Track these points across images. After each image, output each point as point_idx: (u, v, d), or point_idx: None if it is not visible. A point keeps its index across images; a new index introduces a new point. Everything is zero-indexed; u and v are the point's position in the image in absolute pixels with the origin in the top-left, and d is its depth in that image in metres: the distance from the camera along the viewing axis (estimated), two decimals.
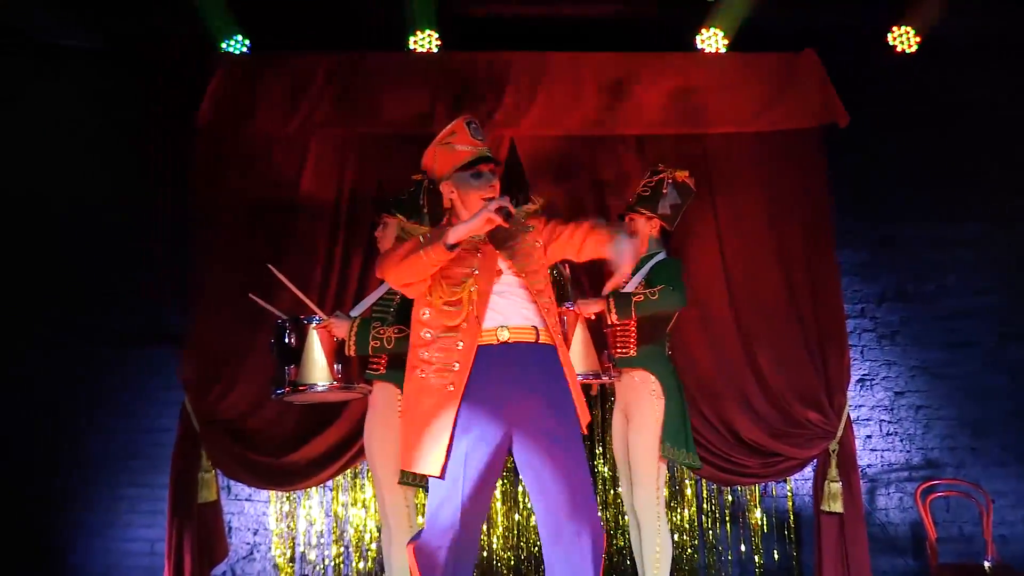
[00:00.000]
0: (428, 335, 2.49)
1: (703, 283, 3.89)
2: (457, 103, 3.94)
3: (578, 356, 3.18)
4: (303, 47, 4.11)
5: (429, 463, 2.42)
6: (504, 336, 2.46)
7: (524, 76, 3.99)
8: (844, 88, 4.10)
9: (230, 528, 4.33)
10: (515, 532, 4.19)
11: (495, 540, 4.20)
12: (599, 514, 2.47)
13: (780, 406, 3.81)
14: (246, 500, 4.36)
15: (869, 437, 4.42)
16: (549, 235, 2.61)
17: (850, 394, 4.37)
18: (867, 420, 4.44)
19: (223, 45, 4.13)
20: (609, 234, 2.50)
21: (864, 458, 4.39)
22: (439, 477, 2.42)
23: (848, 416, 3.81)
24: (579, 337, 3.26)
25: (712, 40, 4.16)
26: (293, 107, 3.96)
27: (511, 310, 2.50)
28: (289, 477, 3.71)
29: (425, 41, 4.16)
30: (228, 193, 3.93)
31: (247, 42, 4.16)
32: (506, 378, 2.43)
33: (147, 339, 4.35)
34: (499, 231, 2.55)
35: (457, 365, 2.43)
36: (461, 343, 2.44)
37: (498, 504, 4.24)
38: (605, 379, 3.29)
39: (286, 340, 3.13)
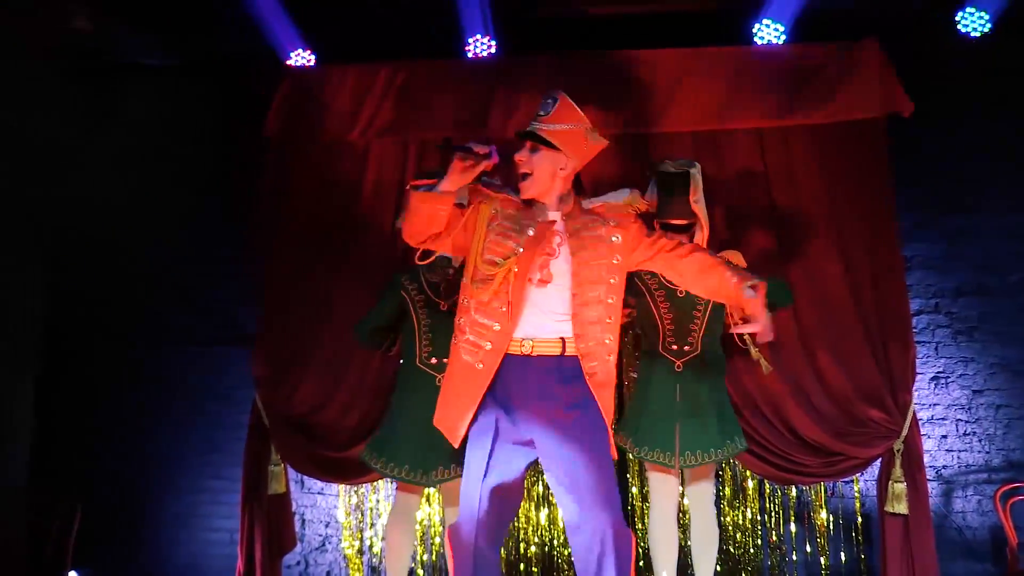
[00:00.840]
0: (466, 302, 2.58)
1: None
2: (513, 106, 4.01)
3: None
4: (365, 58, 4.26)
5: (450, 433, 2.59)
6: (528, 348, 2.51)
7: (576, 76, 3.99)
8: (911, 75, 3.94)
9: (303, 520, 4.54)
10: None
11: (555, 536, 4.25)
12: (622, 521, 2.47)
13: (841, 404, 3.70)
14: (318, 494, 4.56)
15: (944, 437, 4.26)
16: (637, 243, 2.63)
17: (923, 392, 4.24)
18: (942, 419, 4.27)
19: (290, 59, 4.32)
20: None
21: (939, 459, 4.24)
22: (455, 448, 2.60)
23: (914, 415, 3.66)
24: None
25: (769, 32, 4.09)
26: (355, 116, 4.10)
27: (542, 318, 2.52)
28: (352, 470, 3.84)
29: (481, 46, 4.24)
30: (294, 199, 4.10)
31: (312, 55, 4.34)
32: (528, 387, 2.49)
33: (225, 339, 4.59)
34: (572, 228, 2.59)
35: (489, 345, 2.50)
36: (498, 325, 2.49)
37: None
38: None
39: None
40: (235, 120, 4.53)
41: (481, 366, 2.49)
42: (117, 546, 4.42)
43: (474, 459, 2.52)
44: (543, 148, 2.58)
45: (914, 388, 4.15)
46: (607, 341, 2.55)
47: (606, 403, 2.55)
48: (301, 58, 4.33)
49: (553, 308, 2.53)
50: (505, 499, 2.52)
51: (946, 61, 4.24)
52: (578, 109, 2.64)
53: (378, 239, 4.02)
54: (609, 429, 2.57)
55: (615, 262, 2.58)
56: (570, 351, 2.53)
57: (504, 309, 2.49)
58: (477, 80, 4.10)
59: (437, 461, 3.27)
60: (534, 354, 2.50)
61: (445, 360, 3.21)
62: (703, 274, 2.56)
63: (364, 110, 4.10)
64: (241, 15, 4.19)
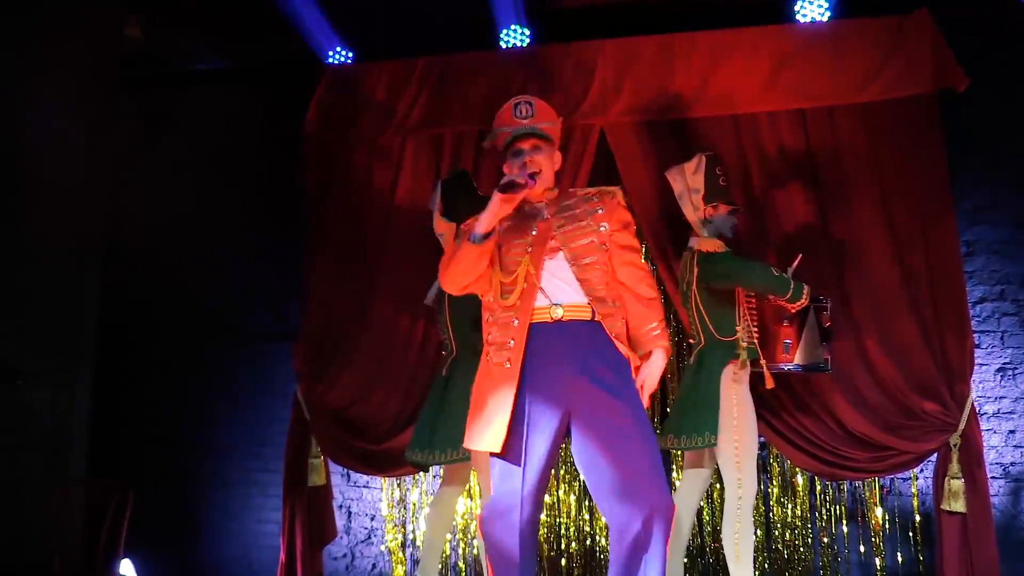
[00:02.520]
0: (490, 318, 2.56)
1: (807, 268, 3.67)
2: (545, 96, 3.94)
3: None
4: (403, 53, 4.27)
5: (487, 439, 2.47)
6: (558, 314, 2.47)
7: (610, 64, 3.94)
8: (968, 47, 3.76)
9: (350, 513, 4.59)
10: None
11: (597, 531, 4.17)
12: (666, 495, 2.35)
13: (892, 396, 3.52)
14: (364, 487, 4.61)
15: (1012, 432, 4.00)
16: (617, 223, 2.59)
17: (988, 385, 4.02)
18: (1010, 413, 4.02)
19: (329, 59, 4.38)
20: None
21: (1006, 455, 3.99)
22: (500, 454, 2.46)
23: (973, 407, 3.45)
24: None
25: (812, 9, 3.92)
26: (390, 111, 4.13)
27: (566, 288, 2.50)
28: (389, 463, 3.86)
29: (515, 37, 4.21)
30: (334, 195, 4.15)
31: (350, 54, 4.39)
32: (562, 357, 2.44)
33: (275, 336, 4.69)
34: (558, 208, 2.58)
35: (512, 342, 2.47)
36: (516, 320, 2.48)
37: None
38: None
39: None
40: (282, 121, 4.61)
41: (508, 365, 2.45)
42: (171, 536, 4.56)
43: (511, 447, 2.43)
44: (544, 145, 2.58)
45: (978, 380, 3.98)
46: (616, 305, 2.54)
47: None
48: (340, 56, 4.38)
49: (571, 279, 2.52)
50: (540, 494, 2.46)
51: (1007, 31, 3.99)
52: (548, 105, 2.67)
53: (414, 233, 4.02)
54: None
55: (601, 230, 2.56)
56: (598, 317, 2.49)
57: (519, 303, 2.48)
58: (510, 71, 4.06)
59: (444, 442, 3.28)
60: (565, 319, 2.46)
61: None
62: (638, 302, 2.58)
63: (400, 105, 4.12)
64: (285, 18, 4.27)
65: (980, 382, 4.04)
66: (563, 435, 2.49)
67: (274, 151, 4.70)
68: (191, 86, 4.85)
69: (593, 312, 2.48)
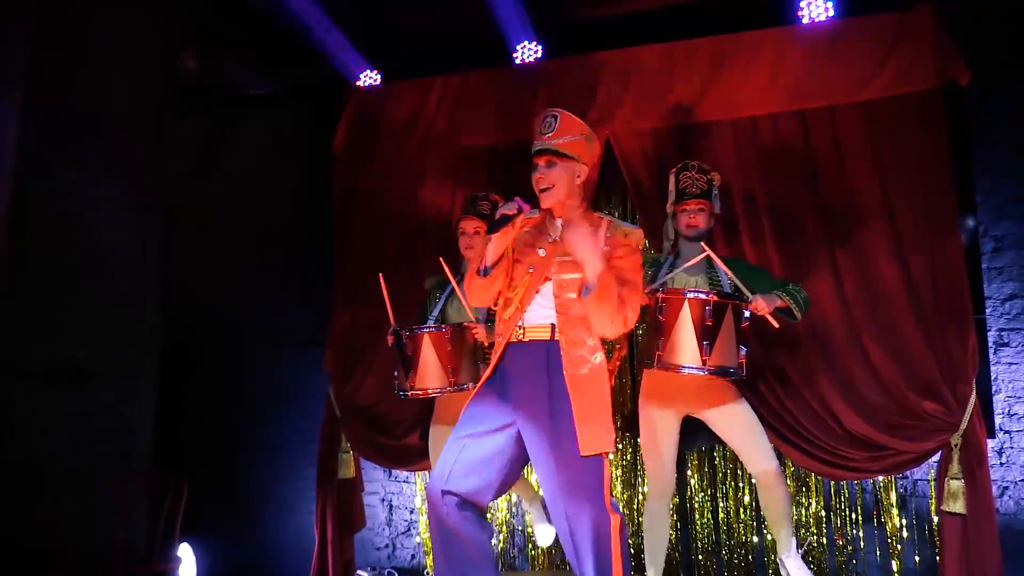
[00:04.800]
0: (495, 327, 2.81)
1: (803, 264, 3.69)
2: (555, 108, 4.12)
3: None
4: (425, 73, 4.53)
5: None
6: (520, 334, 2.64)
7: (615, 73, 4.06)
8: (995, 36, 3.69)
9: (391, 506, 4.88)
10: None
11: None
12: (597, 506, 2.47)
13: (892, 395, 3.49)
14: (404, 482, 4.89)
15: None
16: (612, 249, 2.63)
17: (1020, 384, 3.91)
18: None
19: (359, 81, 4.69)
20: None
21: None
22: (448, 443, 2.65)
23: (975, 407, 3.38)
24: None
25: (816, 9, 3.91)
26: (411, 128, 4.40)
27: (536, 308, 2.64)
28: (408, 457, 4.13)
29: (529, 52, 4.39)
30: (358, 208, 4.45)
31: (378, 75, 4.68)
32: (516, 370, 2.61)
33: (320, 341, 5.02)
34: (565, 225, 2.64)
35: (495, 356, 2.68)
36: (500, 336, 2.68)
37: None
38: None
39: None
40: (322, 140, 4.96)
41: (485, 373, 2.69)
42: (229, 525, 4.96)
43: (460, 428, 2.62)
44: (560, 161, 2.67)
45: (1007, 380, 3.89)
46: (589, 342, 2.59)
47: (592, 396, 2.56)
48: (368, 79, 4.67)
49: (547, 297, 2.64)
50: (481, 472, 2.58)
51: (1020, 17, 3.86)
52: (578, 119, 2.73)
53: (431, 242, 4.26)
54: (603, 420, 2.56)
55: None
56: (558, 337, 2.60)
57: (508, 320, 2.66)
58: (521, 85, 4.25)
59: None
60: (526, 339, 2.62)
61: None
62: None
63: (420, 122, 4.38)
64: (321, 46, 4.61)
65: (1010, 382, 3.92)
66: (510, 439, 2.61)
67: (315, 167, 5.05)
68: (240, 109, 5.27)
69: (552, 331, 2.60)
